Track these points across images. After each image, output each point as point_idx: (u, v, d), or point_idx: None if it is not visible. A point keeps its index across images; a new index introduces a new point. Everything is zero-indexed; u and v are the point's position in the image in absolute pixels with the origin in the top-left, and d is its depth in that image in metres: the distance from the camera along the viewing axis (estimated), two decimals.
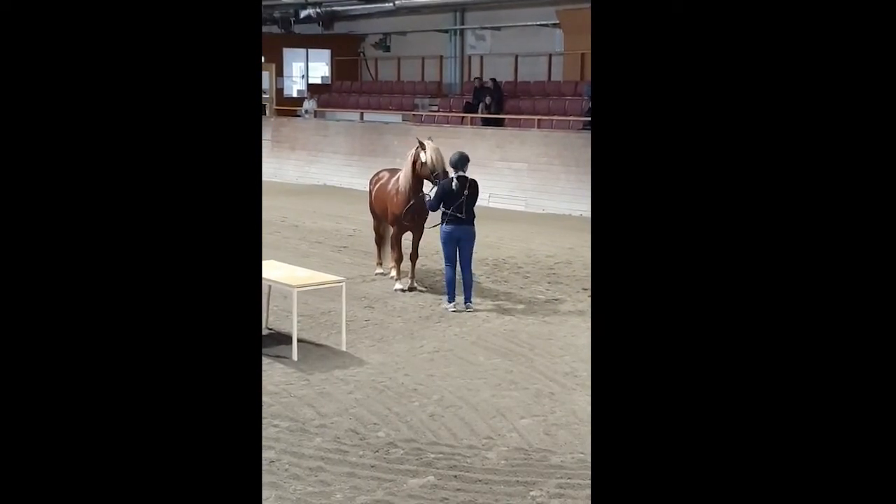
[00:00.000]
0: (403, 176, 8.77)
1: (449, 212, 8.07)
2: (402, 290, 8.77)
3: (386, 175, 9.40)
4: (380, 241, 9.62)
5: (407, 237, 9.05)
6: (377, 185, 9.38)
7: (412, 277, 8.96)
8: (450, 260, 8.18)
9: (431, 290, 8.92)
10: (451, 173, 8.18)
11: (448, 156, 8.34)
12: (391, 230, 9.18)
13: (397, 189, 8.85)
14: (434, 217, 8.42)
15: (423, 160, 8.46)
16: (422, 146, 8.54)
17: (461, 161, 8.20)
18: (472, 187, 8.15)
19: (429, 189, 8.51)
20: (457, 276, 8.18)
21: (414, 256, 8.98)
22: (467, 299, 8.19)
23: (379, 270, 9.55)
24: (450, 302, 8.17)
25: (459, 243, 8.15)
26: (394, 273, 9.05)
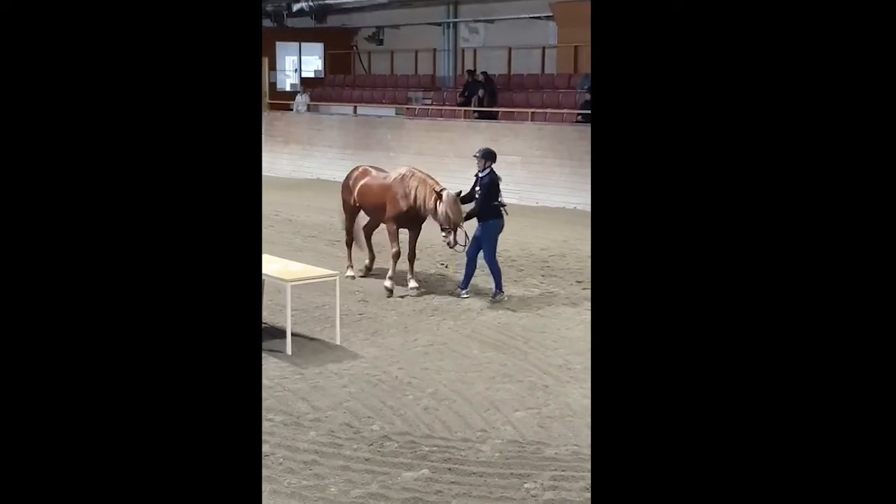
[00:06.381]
0: (426, 188, 8.33)
1: (497, 204, 8.26)
2: (390, 290, 8.46)
3: (371, 171, 9.09)
4: (351, 242, 9.29)
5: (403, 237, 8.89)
6: (361, 182, 8.98)
7: (412, 277, 8.71)
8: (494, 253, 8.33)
9: (425, 283, 8.91)
10: (479, 167, 8.37)
11: (476, 148, 8.57)
12: (360, 229, 9.06)
13: (409, 194, 8.41)
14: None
15: (439, 213, 8.18)
16: (440, 197, 8.21)
17: (493, 155, 8.42)
18: None
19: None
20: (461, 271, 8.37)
21: (412, 256, 8.77)
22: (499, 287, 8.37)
23: (350, 273, 9.10)
24: (502, 291, 8.34)
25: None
26: (390, 272, 8.66)
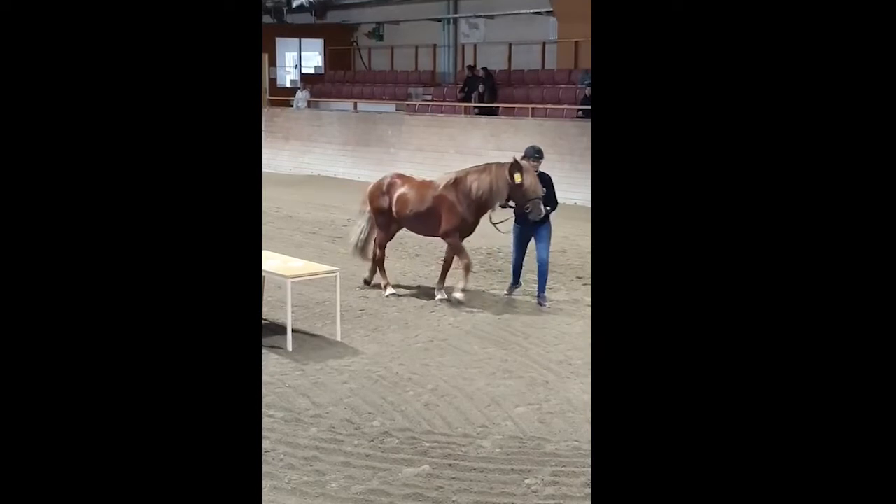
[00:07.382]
0: (499, 179, 7.74)
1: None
2: (462, 302, 7.91)
3: (411, 178, 8.37)
4: (383, 260, 8.39)
5: (430, 243, 8.73)
6: (398, 193, 8.16)
7: (466, 287, 8.06)
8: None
9: (425, 279, 8.91)
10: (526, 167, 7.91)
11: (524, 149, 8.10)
12: (377, 243, 8.35)
13: (470, 192, 7.82)
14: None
15: (519, 182, 7.63)
16: (518, 166, 7.69)
17: (540, 152, 8.09)
18: None
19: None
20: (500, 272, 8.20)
21: (452, 265, 8.21)
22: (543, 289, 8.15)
23: (391, 291, 8.24)
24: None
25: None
26: (463, 284, 7.98)
